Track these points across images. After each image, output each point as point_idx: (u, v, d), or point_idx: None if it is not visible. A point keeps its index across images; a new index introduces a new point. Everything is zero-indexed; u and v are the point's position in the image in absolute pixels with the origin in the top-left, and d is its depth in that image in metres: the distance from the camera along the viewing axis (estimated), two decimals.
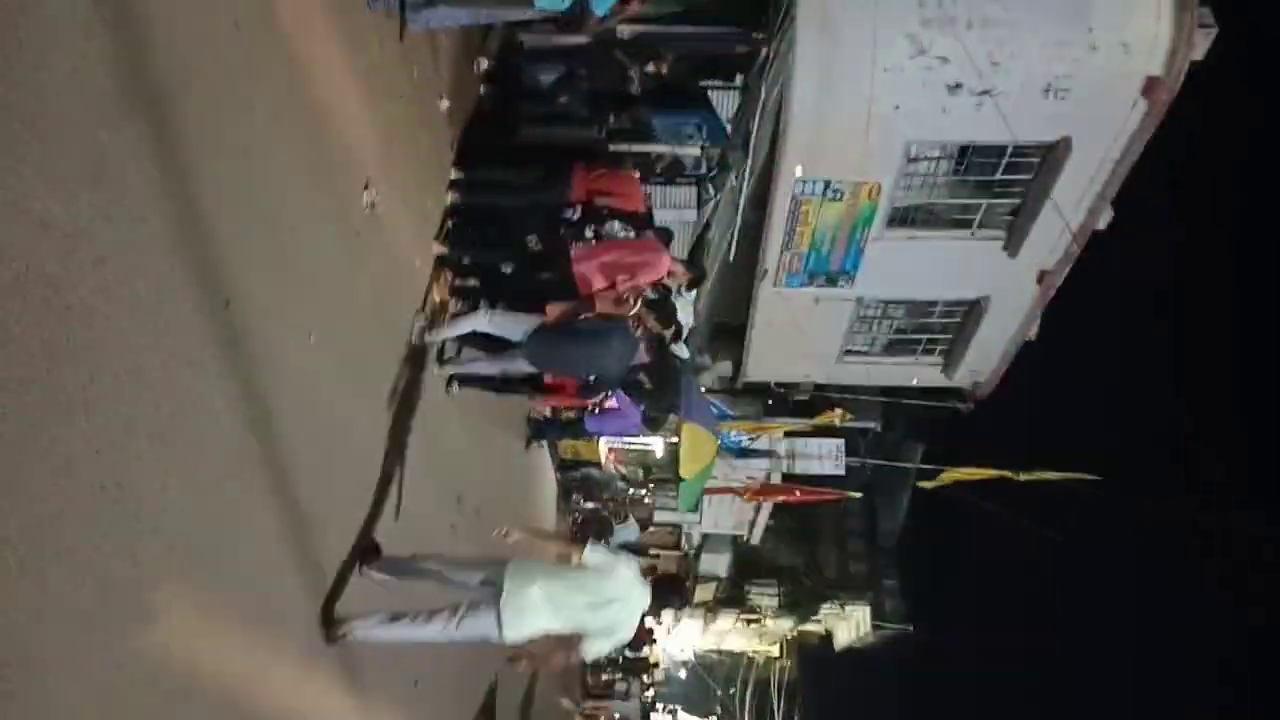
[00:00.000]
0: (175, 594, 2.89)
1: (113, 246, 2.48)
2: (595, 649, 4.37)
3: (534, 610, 4.10)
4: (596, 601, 4.22)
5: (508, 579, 4.13)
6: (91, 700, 2.50)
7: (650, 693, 20.50)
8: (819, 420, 15.44)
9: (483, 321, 5.82)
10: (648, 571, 4.69)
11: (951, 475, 14.54)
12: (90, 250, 2.39)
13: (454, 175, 6.33)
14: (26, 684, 2.22)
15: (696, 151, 9.73)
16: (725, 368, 15.63)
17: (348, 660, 4.50)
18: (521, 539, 4.53)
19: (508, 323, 5.80)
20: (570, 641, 4.31)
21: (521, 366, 5.92)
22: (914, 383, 15.30)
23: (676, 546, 22.94)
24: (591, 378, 6.10)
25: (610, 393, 6.59)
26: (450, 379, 6.48)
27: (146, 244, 2.67)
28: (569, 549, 4.46)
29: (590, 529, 12.69)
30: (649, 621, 17.82)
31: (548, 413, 10.77)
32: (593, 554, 4.34)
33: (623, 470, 15.28)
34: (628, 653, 17.19)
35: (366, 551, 4.61)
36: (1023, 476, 16.27)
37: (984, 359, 14.94)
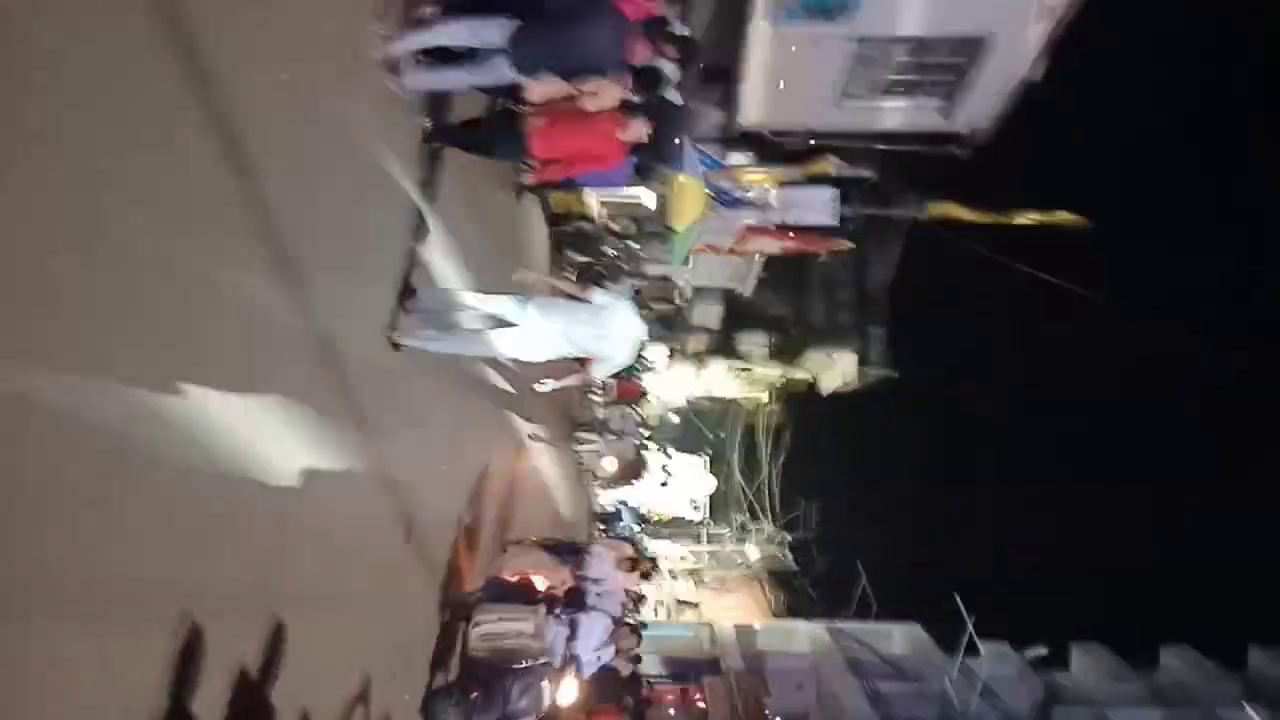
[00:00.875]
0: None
1: None
2: (600, 370, 5.36)
3: (551, 338, 4.95)
4: (600, 333, 5.05)
5: (532, 308, 4.96)
6: None
7: (644, 432, 21.30)
8: (812, 169, 15.12)
9: (457, 28, 5.17)
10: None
11: (945, 209, 14.47)
12: None
13: None
14: None
15: None
16: (717, 115, 15.09)
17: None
18: (537, 281, 5.42)
19: (483, 25, 5.16)
20: (579, 364, 5.23)
21: (503, 74, 5.35)
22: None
23: (668, 300, 23.27)
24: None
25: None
26: (429, 134, 6.00)
27: None
28: (578, 290, 5.25)
29: (589, 279, 12.78)
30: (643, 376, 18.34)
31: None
32: (598, 295, 5.18)
33: (614, 224, 15.11)
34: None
35: (405, 294, 5.19)
36: (1015, 219, 16.27)
37: (984, 101, 14.43)
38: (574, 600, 5.78)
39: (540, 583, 5.84)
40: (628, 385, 15.99)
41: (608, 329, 5.10)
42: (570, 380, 5.72)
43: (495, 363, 5.31)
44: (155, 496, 2.84)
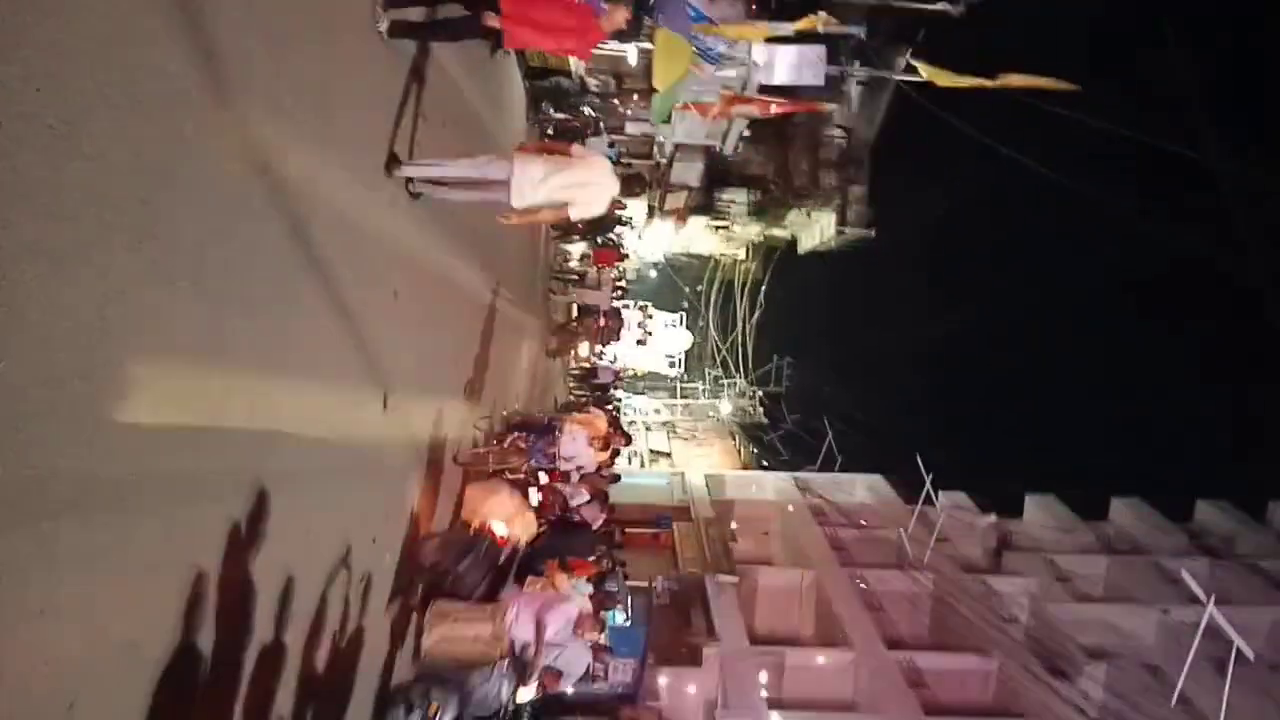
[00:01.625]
0: None
1: None
2: (577, 214, 5.83)
3: (533, 185, 5.43)
4: (577, 183, 5.52)
5: (515, 163, 5.44)
6: None
7: (622, 285, 21.12)
8: (800, 25, 14.61)
9: None
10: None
11: (933, 74, 14.10)
12: None
13: None
14: None
15: None
16: None
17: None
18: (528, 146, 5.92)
19: None
20: (559, 209, 5.70)
21: None
22: None
23: (649, 157, 22.86)
24: None
25: None
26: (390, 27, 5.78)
27: None
28: (559, 149, 5.75)
29: (567, 135, 12.59)
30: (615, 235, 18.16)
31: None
32: (576, 149, 5.67)
33: (594, 80, 14.66)
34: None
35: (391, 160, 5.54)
36: (1004, 82, 15.90)
37: None
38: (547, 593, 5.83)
39: (501, 529, 5.84)
40: (605, 251, 15.92)
41: (584, 180, 5.54)
42: (547, 217, 6.09)
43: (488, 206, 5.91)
44: (143, 381, 2.91)
